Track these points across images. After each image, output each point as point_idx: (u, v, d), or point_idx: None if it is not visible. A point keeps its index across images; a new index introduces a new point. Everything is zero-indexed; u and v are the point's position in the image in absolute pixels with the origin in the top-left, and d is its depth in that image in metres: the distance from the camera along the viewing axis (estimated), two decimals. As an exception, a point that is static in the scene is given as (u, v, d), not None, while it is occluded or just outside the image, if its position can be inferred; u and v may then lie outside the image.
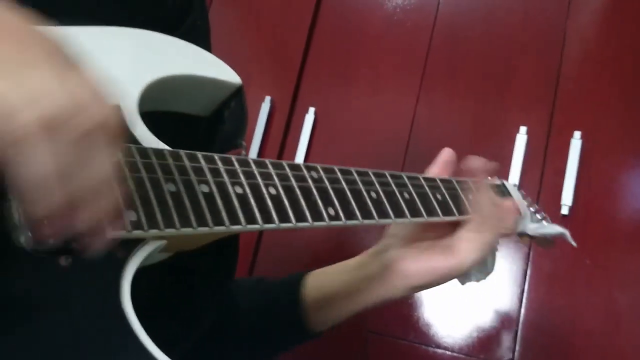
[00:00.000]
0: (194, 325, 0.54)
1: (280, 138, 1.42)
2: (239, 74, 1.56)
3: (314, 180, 0.51)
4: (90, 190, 0.29)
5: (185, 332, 0.53)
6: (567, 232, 0.80)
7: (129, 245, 0.37)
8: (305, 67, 1.47)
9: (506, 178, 1.23)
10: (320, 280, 0.72)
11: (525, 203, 0.79)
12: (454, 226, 0.65)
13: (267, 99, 1.43)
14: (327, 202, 0.51)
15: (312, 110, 1.42)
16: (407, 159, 1.35)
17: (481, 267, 0.76)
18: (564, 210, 1.20)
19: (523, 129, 1.28)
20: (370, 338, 1.28)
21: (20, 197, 0.29)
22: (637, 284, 1.16)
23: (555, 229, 0.80)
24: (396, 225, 0.68)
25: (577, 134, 1.24)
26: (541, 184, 1.25)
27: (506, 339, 1.20)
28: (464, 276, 0.76)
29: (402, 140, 1.36)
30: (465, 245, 0.63)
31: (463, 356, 1.22)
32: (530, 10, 1.36)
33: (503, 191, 0.77)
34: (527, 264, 1.22)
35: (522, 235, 0.80)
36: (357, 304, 0.69)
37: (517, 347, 1.19)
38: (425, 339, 1.24)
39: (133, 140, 0.42)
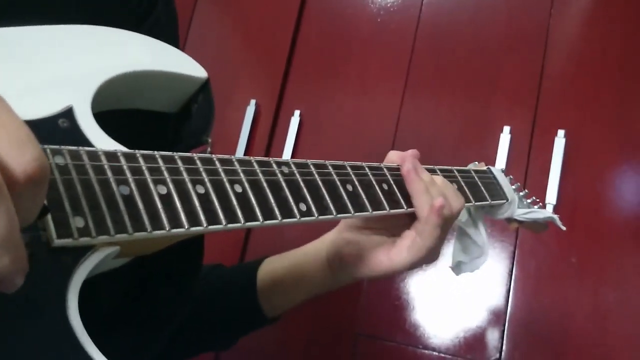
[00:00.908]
0: (160, 329, 0.52)
1: (266, 141, 1.41)
2: (225, 78, 1.55)
3: (284, 175, 0.49)
4: None
5: (152, 337, 0.52)
6: (556, 217, 0.79)
7: (78, 253, 0.35)
8: (290, 70, 1.46)
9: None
10: (272, 266, 0.72)
11: (512, 188, 0.78)
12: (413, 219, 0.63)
13: (252, 102, 1.42)
14: (299, 198, 0.49)
15: (297, 112, 1.41)
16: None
17: (471, 257, 0.75)
18: (549, 209, 1.19)
19: (507, 129, 1.27)
20: (358, 340, 1.27)
21: None
22: (624, 281, 1.15)
23: (545, 213, 0.78)
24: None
25: (561, 133, 1.23)
26: (525, 182, 1.24)
27: (493, 339, 1.19)
28: (456, 267, 0.75)
29: (388, 140, 1.36)
30: (404, 244, 0.61)
31: (450, 356, 1.21)
32: (513, 9, 1.36)
33: (489, 176, 0.76)
34: (512, 263, 1.22)
35: (511, 221, 0.79)
36: (307, 291, 0.69)
37: (504, 347, 1.18)
38: (413, 340, 1.24)
39: (85, 141, 0.40)
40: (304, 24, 1.48)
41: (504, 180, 0.77)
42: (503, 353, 1.17)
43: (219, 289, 0.72)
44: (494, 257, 1.23)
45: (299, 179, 0.50)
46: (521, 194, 0.81)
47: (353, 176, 0.56)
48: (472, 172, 0.73)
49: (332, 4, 1.48)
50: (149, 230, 0.38)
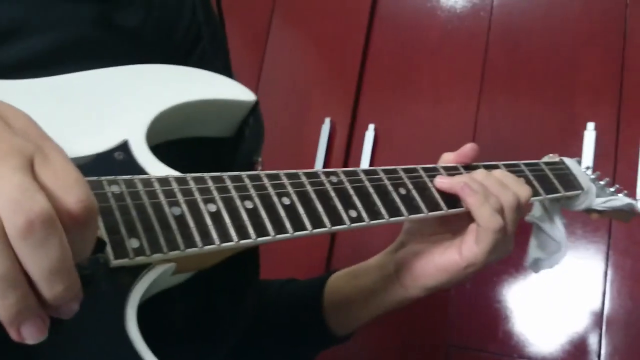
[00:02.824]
0: (223, 340, 0.55)
1: (343, 158, 1.43)
2: (299, 98, 1.59)
3: (333, 184, 0.51)
4: (47, 278, 0.30)
5: (215, 348, 0.54)
6: (635, 202, 0.75)
7: (135, 271, 0.39)
8: (362, 85, 1.48)
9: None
10: (337, 282, 0.70)
11: (588, 178, 0.75)
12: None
13: (327, 120, 1.44)
14: (348, 205, 0.51)
15: (371, 127, 1.42)
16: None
17: (548, 252, 0.72)
18: (640, 204, 1.13)
19: (590, 125, 1.23)
20: (451, 352, 1.25)
21: None
22: None
23: (623, 200, 0.75)
24: (412, 221, 0.65)
25: (648, 125, 1.17)
26: (614, 178, 1.19)
27: (591, 343, 1.14)
28: (533, 264, 0.73)
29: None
30: (471, 239, 0.58)
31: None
32: (588, 2, 1.31)
33: (562, 167, 0.73)
34: (606, 265, 1.16)
35: (590, 211, 0.76)
36: (375, 307, 0.66)
37: (603, 350, 1.12)
38: (507, 350, 1.20)
39: (140, 171, 0.44)
40: (374, 38, 1.50)
41: (578, 171, 0.74)
42: (602, 357, 1.12)
43: (287, 304, 0.71)
44: (586, 259, 1.18)
45: (348, 187, 0.52)
46: (602, 182, 0.77)
47: (406, 179, 0.57)
48: (542, 164, 0.71)
49: (400, 15, 1.49)
50: (199, 246, 0.41)
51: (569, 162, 0.74)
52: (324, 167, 1.41)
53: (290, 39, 1.59)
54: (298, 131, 1.48)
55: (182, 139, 0.53)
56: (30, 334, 0.30)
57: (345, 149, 1.43)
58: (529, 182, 0.66)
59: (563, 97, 1.29)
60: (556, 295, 1.19)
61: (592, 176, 0.76)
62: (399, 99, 1.43)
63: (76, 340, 0.35)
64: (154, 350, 0.36)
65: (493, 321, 1.23)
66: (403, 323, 1.31)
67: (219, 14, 0.69)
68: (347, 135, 1.44)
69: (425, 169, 0.60)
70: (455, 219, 0.61)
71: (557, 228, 0.71)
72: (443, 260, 0.60)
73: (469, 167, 0.64)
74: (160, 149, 0.48)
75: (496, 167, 0.65)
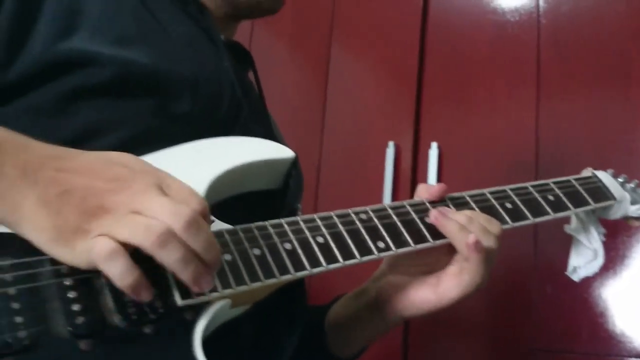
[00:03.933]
0: None
1: (410, 179, 1.48)
2: (360, 125, 1.65)
3: (363, 222, 0.61)
4: (205, 250, 0.46)
5: None
6: None
7: (198, 309, 0.49)
8: (421, 104, 1.52)
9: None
10: (337, 307, 0.77)
11: (620, 188, 0.80)
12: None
13: (390, 144, 1.49)
14: (376, 238, 0.60)
15: (434, 145, 1.46)
16: (539, 171, 1.35)
17: (585, 260, 0.78)
18: None
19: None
20: (536, 355, 1.27)
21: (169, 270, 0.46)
22: None
23: None
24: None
25: None
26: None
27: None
28: (573, 272, 0.79)
29: (530, 155, 1.36)
30: (450, 279, 0.64)
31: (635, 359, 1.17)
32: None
33: (594, 180, 0.79)
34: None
35: (628, 219, 0.80)
36: (363, 332, 0.72)
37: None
38: (592, 347, 1.21)
39: None
40: (427, 57, 1.54)
41: (610, 182, 0.80)
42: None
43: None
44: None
45: (377, 222, 0.61)
46: (631, 185, 0.82)
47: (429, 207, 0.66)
48: (573, 180, 0.77)
49: (450, 32, 1.53)
50: (248, 284, 0.52)
51: (601, 174, 0.79)
52: (393, 190, 1.47)
53: (349, 67, 1.64)
54: (363, 157, 1.54)
55: (237, 195, 0.65)
56: (207, 284, 0.47)
57: (411, 170, 1.48)
58: (557, 198, 0.72)
59: (620, 94, 1.30)
60: (635, 289, 1.19)
61: (632, 185, 0.80)
62: (458, 114, 1.47)
63: None
64: None
65: (575, 320, 1.24)
66: (485, 326, 1.35)
67: (257, 82, 0.81)
68: (412, 156, 1.48)
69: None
70: (431, 252, 0.66)
71: (593, 238, 0.76)
72: (417, 297, 0.66)
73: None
74: (220, 206, 0.59)
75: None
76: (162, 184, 0.47)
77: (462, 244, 0.62)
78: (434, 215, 0.64)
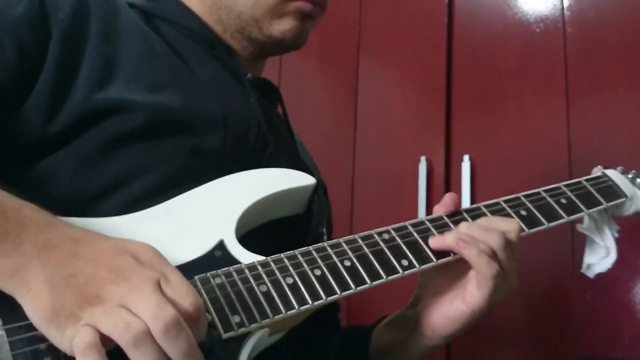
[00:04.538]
0: None
1: (443, 192, 1.45)
2: (391, 141, 1.66)
3: (386, 242, 0.64)
4: (181, 357, 0.45)
5: None
6: None
7: (240, 339, 0.53)
8: (451, 118, 1.52)
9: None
10: (380, 331, 0.78)
11: (630, 184, 0.82)
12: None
13: (422, 159, 1.50)
14: (400, 256, 0.63)
15: (466, 157, 1.46)
16: (572, 178, 1.34)
17: (598, 258, 0.79)
18: None
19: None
20: (581, 363, 1.27)
21: None
22: None
23: None
24: (422, 275, 0.72)
25: None
26: None
27: None
28: (587, 269, 0.80)
29: (563, 163, 1.35)
30: (472, 286, 0.65)
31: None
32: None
33: (604, 180, 0.81)
34: None
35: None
36: (407, 356, 0.73)
37: None
38: (635, 353, 1.20)
39: (235, 261, 0.59)
40: (454, 70, 1.54)
41: (621, 180, 0.81)
42: None
43: (339, 345, 0.78)
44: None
45: (399, 241, 0.64)
46: None
47: (451, 224, 0.69)
48: (584, 181, 0.79)
49: (477, 44, 1.53)
50: (284, 312, 0.55)
51: (611, 173, 0.81)
52: (427, 206, 1.46)
53: (378, 84, 1.65)
54: (395, 174, 1.55)
55: (265, 223, 0.68)
56: None
57: (444, 184, 1.48)
58: (570, 201, 0.74)
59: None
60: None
61: (634, 182, 0.82)
62: (489, 126, 1.47)
63: None
64: None
65: (619, 327, 1.23)
66: (529, 334, 1.34)
67: (284, 114, 0.85)
68: (444, 170, 1.49)
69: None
70: (455, 266, 0.67)
71: (605, 235, 0.78)
72: (452, 312, 0.67)
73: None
74: (249, 235, 0.64)
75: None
76: (162, 279, 0.47)
77: (482, 268, 0.64)
78: (453, 243, 0.65)
